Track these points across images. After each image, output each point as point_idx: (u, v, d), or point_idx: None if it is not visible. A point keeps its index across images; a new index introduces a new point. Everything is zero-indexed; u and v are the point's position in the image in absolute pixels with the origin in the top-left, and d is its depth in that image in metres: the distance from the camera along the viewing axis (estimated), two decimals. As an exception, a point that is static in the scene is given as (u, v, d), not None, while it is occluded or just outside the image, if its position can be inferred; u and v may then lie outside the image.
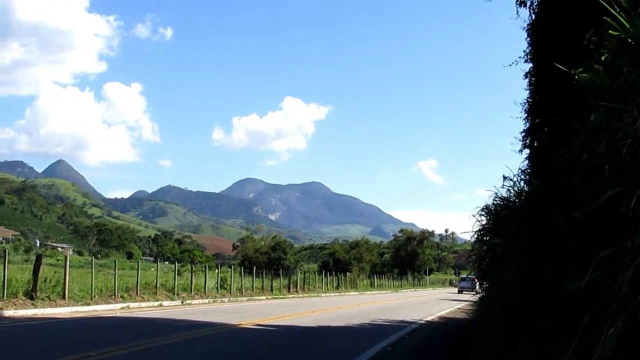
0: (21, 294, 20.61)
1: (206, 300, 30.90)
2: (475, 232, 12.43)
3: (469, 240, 13.39)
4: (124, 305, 24.13)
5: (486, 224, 12.07)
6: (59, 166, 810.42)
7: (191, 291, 31.79)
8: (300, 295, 45.30)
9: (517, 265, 8.42)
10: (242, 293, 37.57)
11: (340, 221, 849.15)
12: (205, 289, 33.40)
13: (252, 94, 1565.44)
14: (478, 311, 14.06)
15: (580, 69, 4.77)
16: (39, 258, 22.74)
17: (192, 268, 37.52)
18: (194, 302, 29.45)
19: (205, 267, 40.36)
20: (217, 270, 41.88)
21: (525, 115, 11.30)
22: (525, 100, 11.41)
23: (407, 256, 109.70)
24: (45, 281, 22.11)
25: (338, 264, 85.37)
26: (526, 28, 10.75)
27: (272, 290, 43.24)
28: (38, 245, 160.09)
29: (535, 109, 10.52)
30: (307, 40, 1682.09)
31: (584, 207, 3.86)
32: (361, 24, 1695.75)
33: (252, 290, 40.27)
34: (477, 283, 22.20)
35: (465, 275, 68.31)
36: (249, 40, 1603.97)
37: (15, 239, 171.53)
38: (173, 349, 11.78)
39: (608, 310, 3.16)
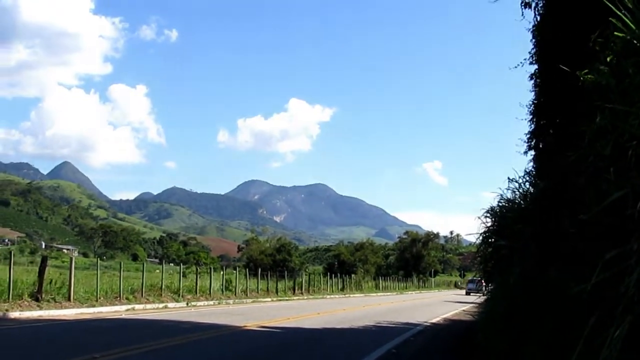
0: (26, 295, 20.63)
1: (211, 302, 30.91)
2: (481, 234, 12.42)
3: (474, 242, 13.39)
4: (129, 307, 24.15)
5: (491, 225, 12.06)
6: (64, 168, 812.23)
7: (196, 293, 31.82)
8: (305, 297, 45.27)
9: (522, 267, 8.40)
10: (247, 295, 37.56)
11: (345, 223, 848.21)
12: (210, 291, 33.41)
13: (257, 96, 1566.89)
14: (483, 313, 14.04)
15: (586, 71, 4.76)
16: (44, 260, 22.79)
17: (197, 270, 37.54)
18: (199, 303, 29.46)
19: (210, 269, 40.40)
20: (222, 272, 41.87)
21: (531, 117, 11.29)
22: (531, 102, 11.39)
23: (412, 258, 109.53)
24: (50, 283, 22.16)
25: (343, 266, 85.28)
26: (531, 29, 10.74)
27: (277, 292, 43.23)
28: (43, 247, 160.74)
29: (540, 111, 10.51)
30: (312, 41, 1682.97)
31: (589, 209, 3.85)
32: (366, 26, 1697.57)
33: (257, 292, 40.24)
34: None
35: (472, 278, 68.70)
36: (254, 42, 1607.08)
37: (21, 241, 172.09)
38: (178, 350, 11.80)
39: (614, 312, 3.15)
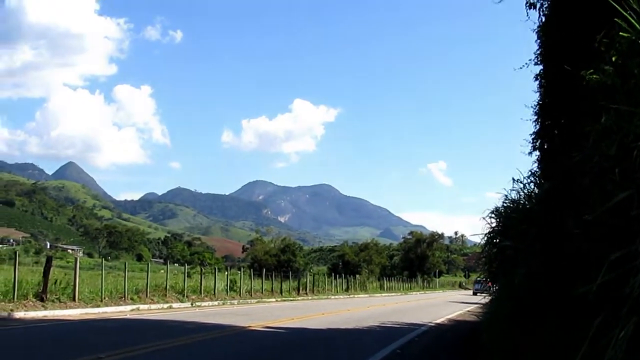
0: (31, 295, 20.68)
1: (216, 303, 30.95)
2: (485, 234, 12.42)
3: (479, 243, 13.38)
4: (134, 307, 24.19)
5: (496, 226, 12.05)
6: (69, 168, 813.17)
7: (201, 293, 31.86)
8: (310, 298, 45.31)
9: (527, 268, 8.39)
10: (251, 295, 37.60)
11: (349, 223, 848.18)
12: (214, 291, 33.45)
13: (261, 96, 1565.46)
14: (488, 314, 14.03)
15: (591, 71, 4.75)
16: (49, 260, 22.82)
17: (201, 270, 37.69)
18: (203, 304, 29.50)
19: (215, 269, 40.54)
20: (226, 273, 42.02)
21: (535, 117, 11.25)
22: (536, 103, 11.35)
23: (417, 258, 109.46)
24: (55, 283, 22.20)
25: (347, 266, 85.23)
26: (536, 30, 10.71)
27: (281, 292, 43.26)
28: (48, 247, 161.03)
29: (545, 111, 10.47)
30: (316, 42, 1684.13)
31: (594, 209, 3.85)
32: (371, 26, 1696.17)
33: (262, 292, 40.27)
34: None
35: (479, 278, 68.74)
36: (258, 43, 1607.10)
37: (26, 241, 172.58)
38: (183, 350, 11.82)
39: (619, 313, 3.14)
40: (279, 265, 74.82)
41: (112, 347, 10.98)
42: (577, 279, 4.52)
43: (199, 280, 33.26)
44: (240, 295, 36.10)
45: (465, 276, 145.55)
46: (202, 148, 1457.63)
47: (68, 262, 72.58)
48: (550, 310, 5.94)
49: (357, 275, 72.27)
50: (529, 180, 10.68)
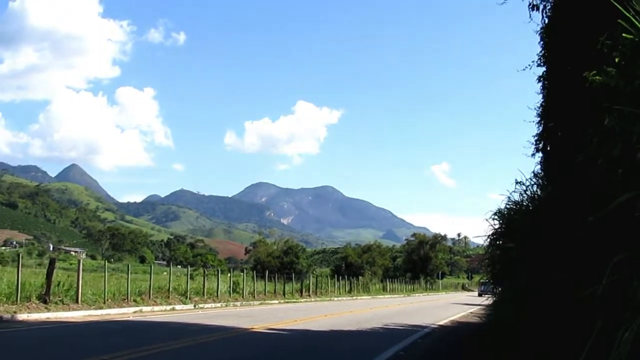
0: (34, 297, 20.68)
1: (218, 304, 30.95)
2: (489, 236, 12.42)
3: (482, 244, 13.38)
4: (137, 309, 24.21)
5: (499, 228, 12.05)
6: (72, 170, 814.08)
7: (203, 295, 31.87)
8: (313, 299, 45.28)
9: (530, 269, 8.38)
10: (254, 297, 37.59)
11: (352, 225, 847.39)
12: (217, 293, 33.46)
13: (264, 98, 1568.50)
14: (491, 315, 14.02)
15: (594, 72, 4.74)
16: (52, 262, 22.84)
17: (204, 272, 37.57)
18: (206, 306, 29.51)
19: (218, 271, 40.45)
20: (229, 274, 41.84)
21: (539, 119, 11.24)
22: (539, 104, 11.35)
23: (420, 260, 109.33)
24: (58, 285, 22.22)
25: (350, 268, 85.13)
26: (539, 32, 10.70)
27: (284, 294, 43.26)
28: (51, 249, 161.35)
29: (548, 113, 10.46)
30: (319, 44, 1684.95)
31: (597, 211, 3.84)
32: (374, 28, 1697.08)
33: (265, 294, 40.26)
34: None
35: (484, 279, 68.87)
36: (261, 45, 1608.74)
37: (29, 243, 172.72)
38: (186, 352, 11.81)
39: (622, 315, 3.14)
40: (282, 267, 74.69)
41: (115, 349, 10.98)
42: (581, 281, 4.52)
43: (202, 282, 33.24)
44: (243, 297, 36.09)
45: (468, 278, 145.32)
46: (205, 150, 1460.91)
47: (71, 264, 72.76)
48: (554, 311, 5.93)
49: (360, 277, 72.21)
50: (532, 182, 10.69)
